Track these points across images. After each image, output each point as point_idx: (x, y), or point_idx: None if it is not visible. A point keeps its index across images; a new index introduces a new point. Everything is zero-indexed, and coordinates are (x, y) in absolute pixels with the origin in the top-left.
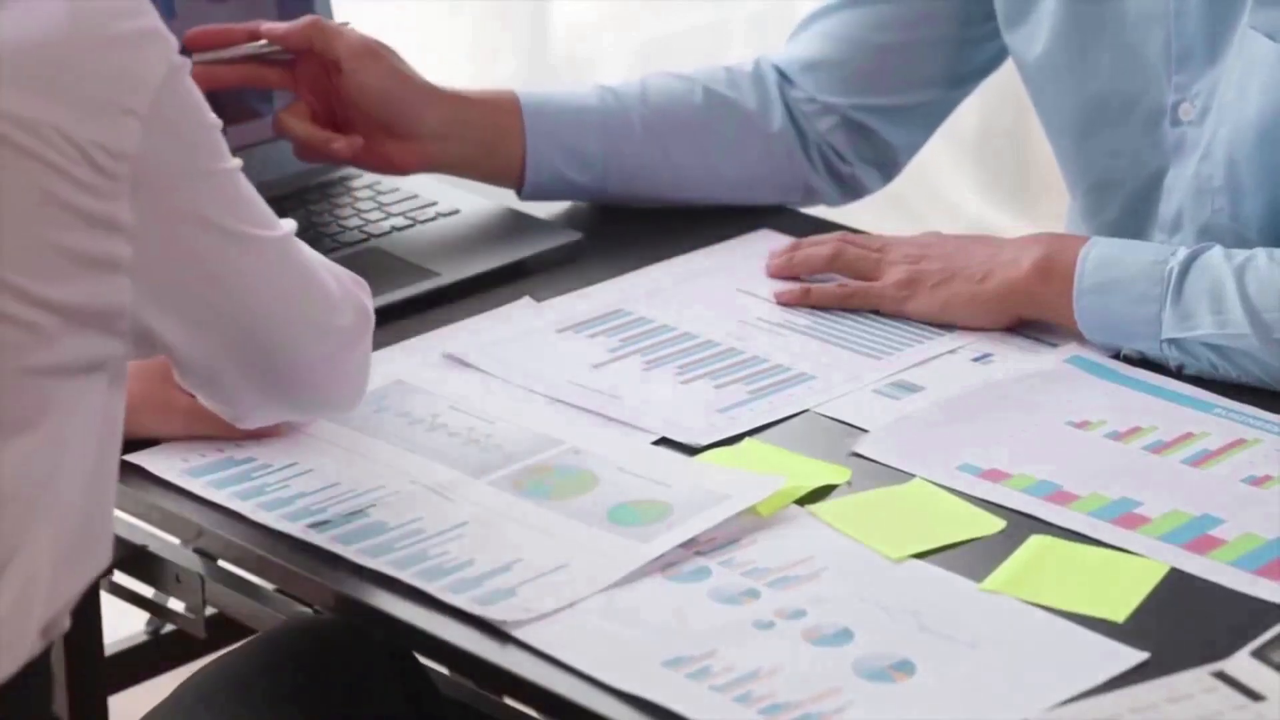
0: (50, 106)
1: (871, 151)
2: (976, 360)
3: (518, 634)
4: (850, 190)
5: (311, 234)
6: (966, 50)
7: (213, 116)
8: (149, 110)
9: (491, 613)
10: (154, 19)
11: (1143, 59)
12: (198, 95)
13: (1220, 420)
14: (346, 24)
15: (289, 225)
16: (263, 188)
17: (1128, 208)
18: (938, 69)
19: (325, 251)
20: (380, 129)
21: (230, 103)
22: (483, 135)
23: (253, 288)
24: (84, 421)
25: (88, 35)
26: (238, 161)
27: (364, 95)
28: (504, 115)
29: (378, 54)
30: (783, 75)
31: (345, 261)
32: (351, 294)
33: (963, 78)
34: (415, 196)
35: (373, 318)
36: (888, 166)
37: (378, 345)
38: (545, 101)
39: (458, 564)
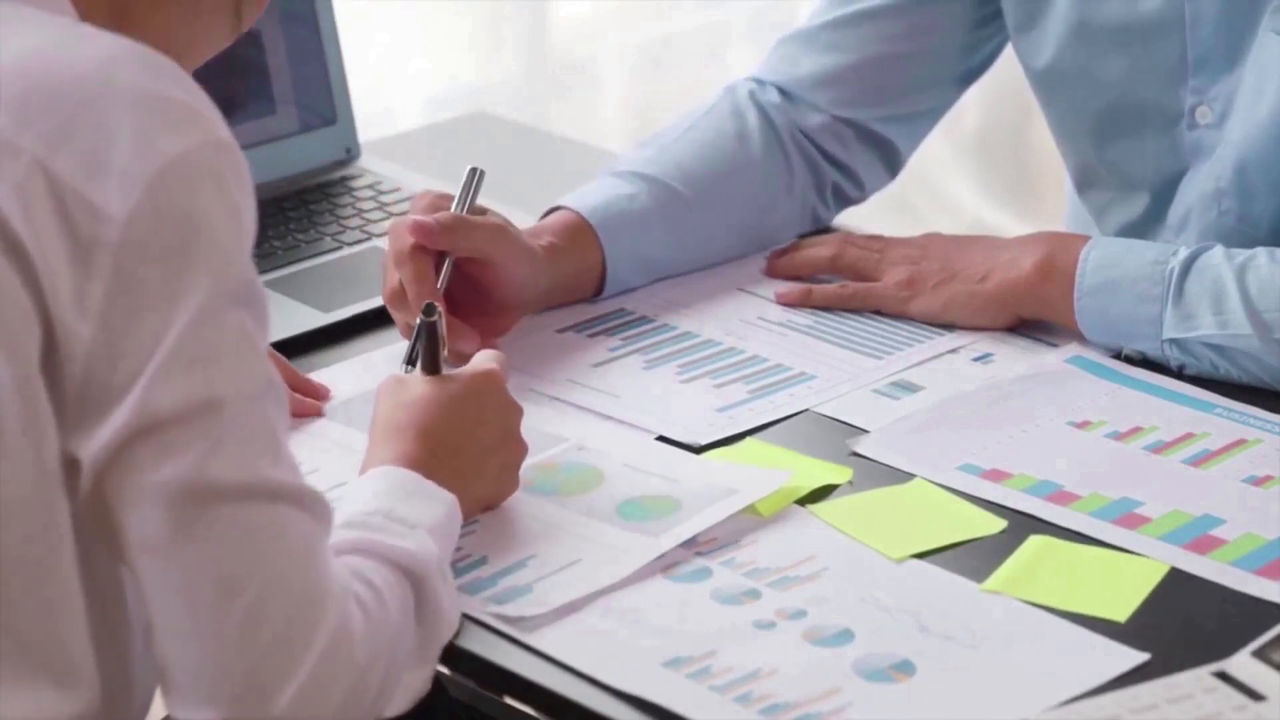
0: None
1: (882, 159)
2: (977, 360)
3: (519, 634)
4: (853, 202)
5: (312, 234)
6: (976, 50)
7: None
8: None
9: (509, 610)
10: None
11: (1157, 64)
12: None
13: (1221, 420)
14: (483, 210)
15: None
16: (263, 188)
17: (1143, 210)
18: (950, 71)
19: (326, 251)
20: (479, 301)
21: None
22: (569, 281)
23: None
24: None
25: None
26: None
27: (512, 290)
28: (586, 252)
29: (515, 241)
30: (786, 95)
31: (346, 261)
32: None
33: (970, 75)
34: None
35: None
36: (894, 169)
37: (379, 343)
38: (615, 220)
39: (471, 562)
